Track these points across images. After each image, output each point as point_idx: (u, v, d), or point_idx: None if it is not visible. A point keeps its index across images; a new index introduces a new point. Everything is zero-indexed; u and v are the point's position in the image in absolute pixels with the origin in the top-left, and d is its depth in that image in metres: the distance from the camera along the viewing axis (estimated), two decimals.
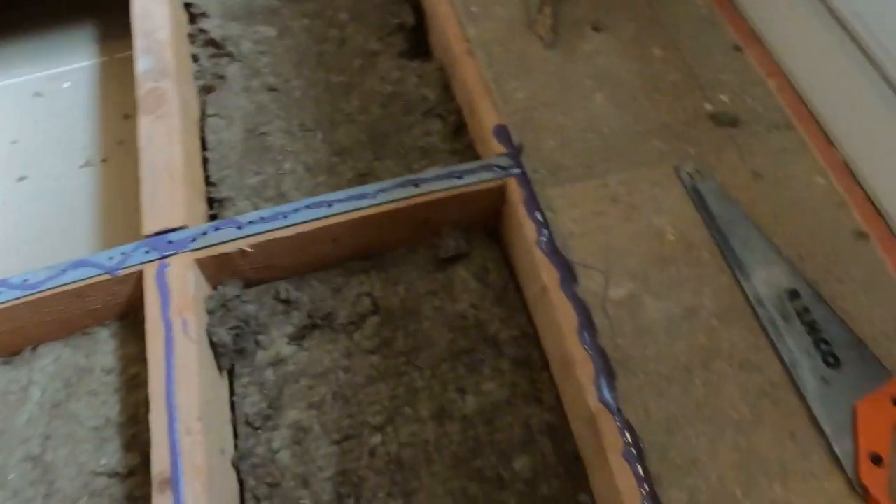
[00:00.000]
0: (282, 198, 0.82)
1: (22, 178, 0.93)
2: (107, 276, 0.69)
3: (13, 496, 0.62)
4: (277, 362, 0.71)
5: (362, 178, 0.84)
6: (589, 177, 0.74)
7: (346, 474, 0.65)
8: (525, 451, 0.66)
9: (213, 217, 0.81)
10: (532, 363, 0.70)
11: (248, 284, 0.76)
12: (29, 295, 0.67)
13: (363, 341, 0.72)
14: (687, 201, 0.73)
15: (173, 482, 0.56)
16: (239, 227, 0.72)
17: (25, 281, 0.68)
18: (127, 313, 0.74)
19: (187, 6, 0.99)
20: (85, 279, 0.69)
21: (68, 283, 0.68)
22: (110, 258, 0.70)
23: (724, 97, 0.82)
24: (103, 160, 0.95)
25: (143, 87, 0.84)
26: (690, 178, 0.74)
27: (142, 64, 0.86)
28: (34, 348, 0.72)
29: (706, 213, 0.72)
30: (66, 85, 1.03)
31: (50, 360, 0.71)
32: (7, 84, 1.03)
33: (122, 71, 1.04)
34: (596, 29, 0.89)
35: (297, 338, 0.73)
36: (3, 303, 0.67)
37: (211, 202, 0.82)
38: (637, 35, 0.89)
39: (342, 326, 0.74)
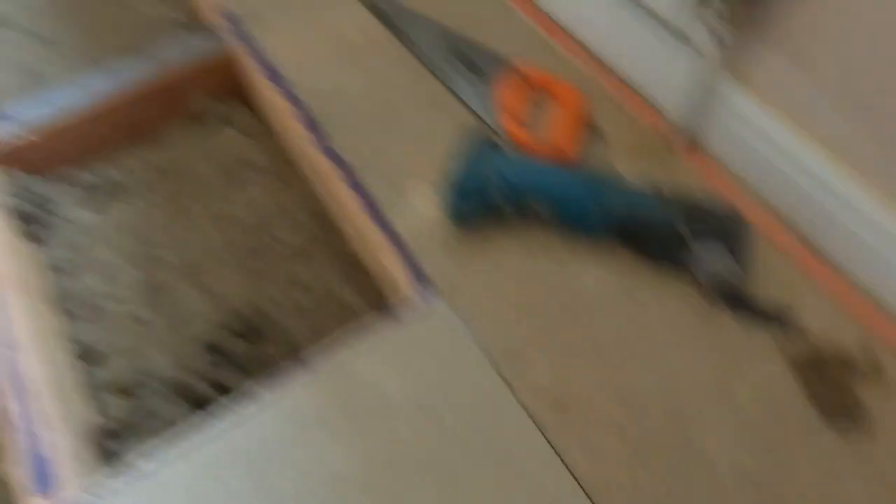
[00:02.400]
0: None
1: None
2: None
3: None
4: (83, 229, 0.86)
5: None
6: (284, 18, 0.95)
7: (150, 285, 0.81)
8: (283, 220, 0.86)
9: None
10: (282, 168, 0.91)
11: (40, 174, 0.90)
12: None
13: (153, 197, 0.89)
14: (370, 15, 0.95)
15: None
16: (14, 120, 0.86)
17: None
18: None
19: None
20: None
21: None
22: None
23: None
24: None
25: None
26: None
27: None
28: None
29: (385, 19, 0.94)
30: None
31: None
32: None
33: None
34: None
35: (95, 207, 0.89)
36: None
37: None
38: None
39: (133, 190, 0.90)
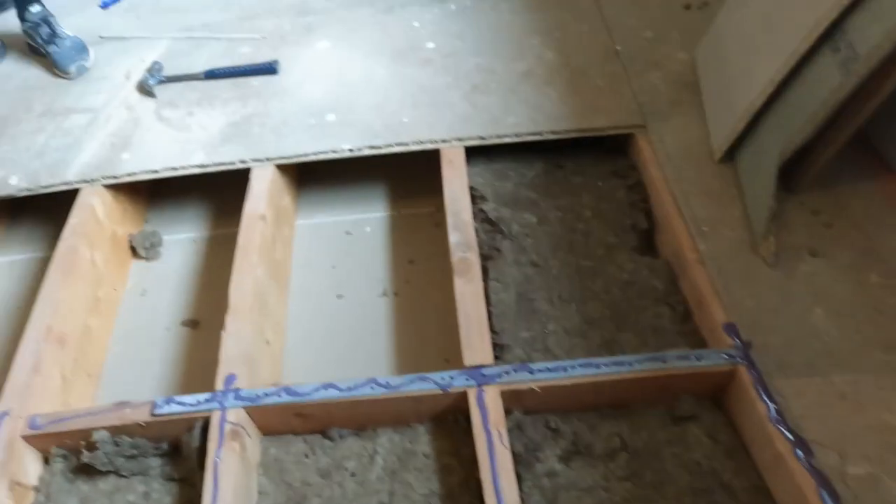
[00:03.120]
0: (547, 352, 1.07)
1: (340, 296, 1.24)
2: (440, 391, 0.95)
3: None
4: (551, 474, 0.94)
5: (608, 344, 1.09)
6: (812, 374, 0.95)
7: None
8: None
9: (496, 358, 1.06)
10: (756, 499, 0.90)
11: (526, 413, 1.00)
12: (388, 393, 0.94)
13: (617, 470, 0.95)
14: None
15: None
16: (531, 373, 0.98)
17: (388, 383, 0.95)
18: (437, 418, 1.00)
19: (471, 189, 1.32)
20: (425, 390, 0.95)
21: (414, 391, 0.95)
22: (442, 379, 0.97)
23: None
24: (395, 293, 1.25)
25: (455, 255, 1.14)
26: None
27: (453, 237, 1.17)
28: (374, 429, 0.98)
29: None
30: (367, 229, 1.37)
31: (385, 440, 0.97)
32: (328, 221, 1.38)
33: (406, 223, 1.38)
34: (813, 254, 1.11)
35: (565, 459, 0.96)
36: (371, 395, 0.94)
37: (493, 346, 1.08)
38: (853, 262, 1.09)
39: (599, 456, 0.96)
